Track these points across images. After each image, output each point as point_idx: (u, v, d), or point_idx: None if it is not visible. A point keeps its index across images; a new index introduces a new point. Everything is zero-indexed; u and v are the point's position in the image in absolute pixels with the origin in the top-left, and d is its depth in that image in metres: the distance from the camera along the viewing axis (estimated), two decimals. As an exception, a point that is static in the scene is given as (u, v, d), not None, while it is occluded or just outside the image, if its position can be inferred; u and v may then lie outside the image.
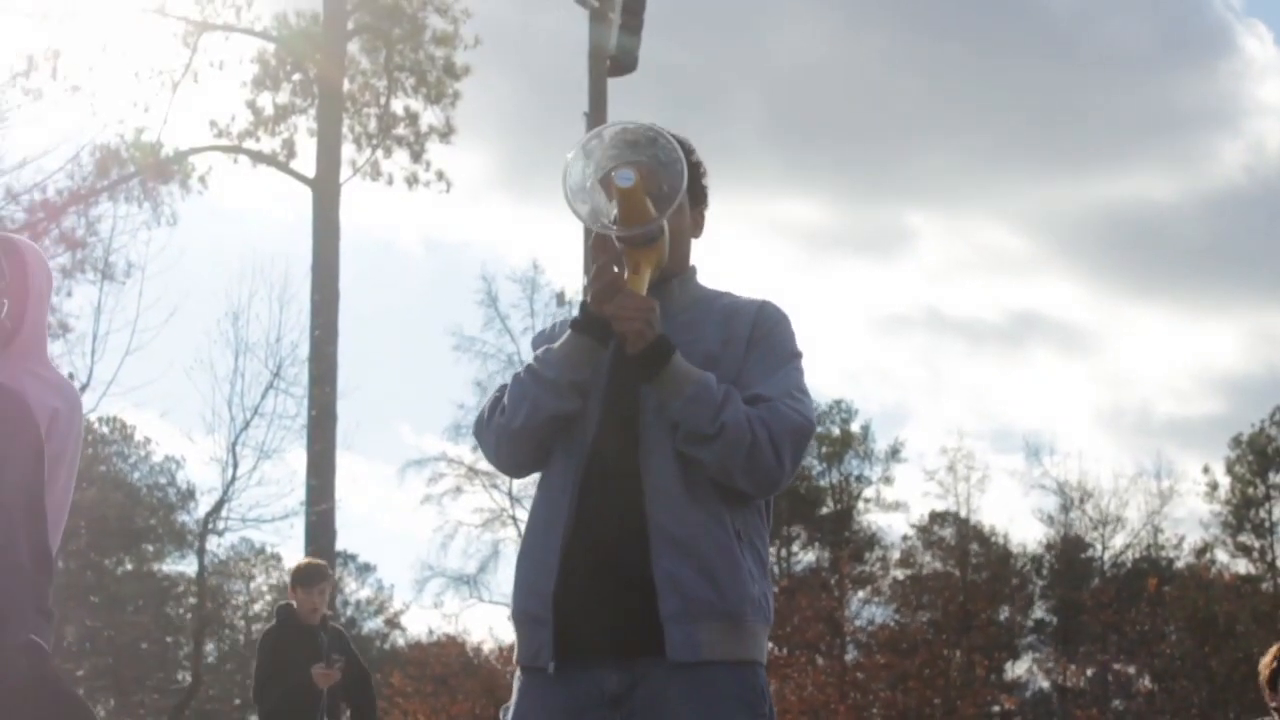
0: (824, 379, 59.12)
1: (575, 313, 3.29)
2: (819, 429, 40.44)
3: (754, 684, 3.19)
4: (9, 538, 3.74)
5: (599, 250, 3.20)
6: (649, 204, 3.13)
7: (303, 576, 8.94)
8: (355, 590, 47.51)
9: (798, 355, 3.35)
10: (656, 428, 3.21)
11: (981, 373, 57.79)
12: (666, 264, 3.31)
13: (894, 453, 41.17)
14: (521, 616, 3.27)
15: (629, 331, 3.13)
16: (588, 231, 3.30)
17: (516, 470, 3.38)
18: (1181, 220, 56.60)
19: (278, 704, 8.61)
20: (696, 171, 3.42)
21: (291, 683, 8.47)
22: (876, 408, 63.76)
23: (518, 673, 3.32)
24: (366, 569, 48.69)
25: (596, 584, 3.16)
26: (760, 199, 54.73)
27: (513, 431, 3.25)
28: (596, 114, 25.67)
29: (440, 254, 62.38)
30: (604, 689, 3.14)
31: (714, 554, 3.14)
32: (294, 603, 8.84)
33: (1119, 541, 40.62)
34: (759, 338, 3.32)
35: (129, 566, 36.68)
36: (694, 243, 3.47)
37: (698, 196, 3.46)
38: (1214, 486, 41.41)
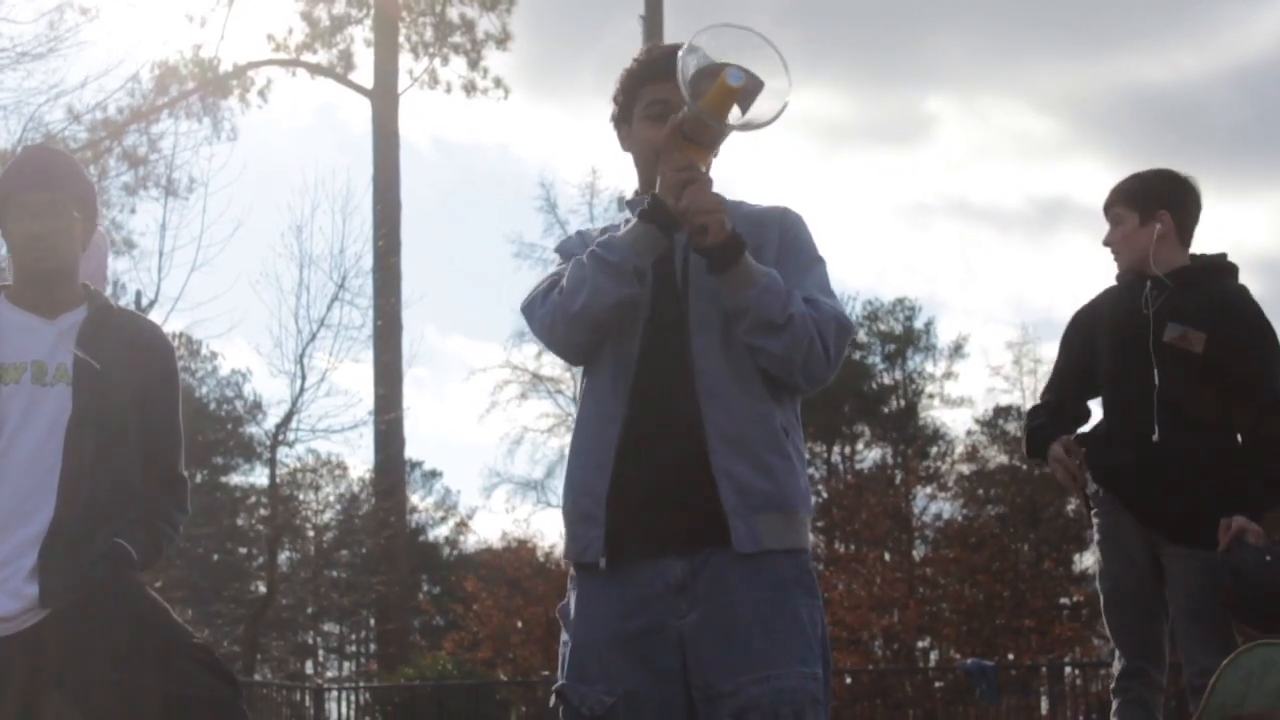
0: (851, 272, 58.68)
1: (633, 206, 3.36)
2: (882, 327, 40.60)
3: (807, 567, 3.32)
4: (125, 460, 3.84)
5: (672, 145, 3.20)
6: (735, 109, 3.11)
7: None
8: (423, 497, 47.97)
9: (822, 259, 3.43)
10: (705, 326, 3.28)
11: (1013, 261, 57.00)
12: None
13: (957, 348, 41.07)
14: (573, 513, 3.34)
15: (711, 223, 3.15)
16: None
17: (567, 351, 3.39)
18: (1213, 97, 55.46)
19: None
20: None
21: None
22: (892, 299, 63.09)
23: (571, 571, 3.40)
24: (432, 475, 49.15)
25: (653, 480, 3.24)
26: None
27: (571, 314, 3.26)
28: (652, 16, 25.53)
29: (491, 158, 62.25)
30: (668, 578, 3.23)
31: (765, 449, 3.24)
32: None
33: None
34: (788, 241, 3.40)
35: (199, 479, 37.11)
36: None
37: None
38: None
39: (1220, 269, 5.18)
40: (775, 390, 3.29)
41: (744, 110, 3.12)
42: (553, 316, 3.29)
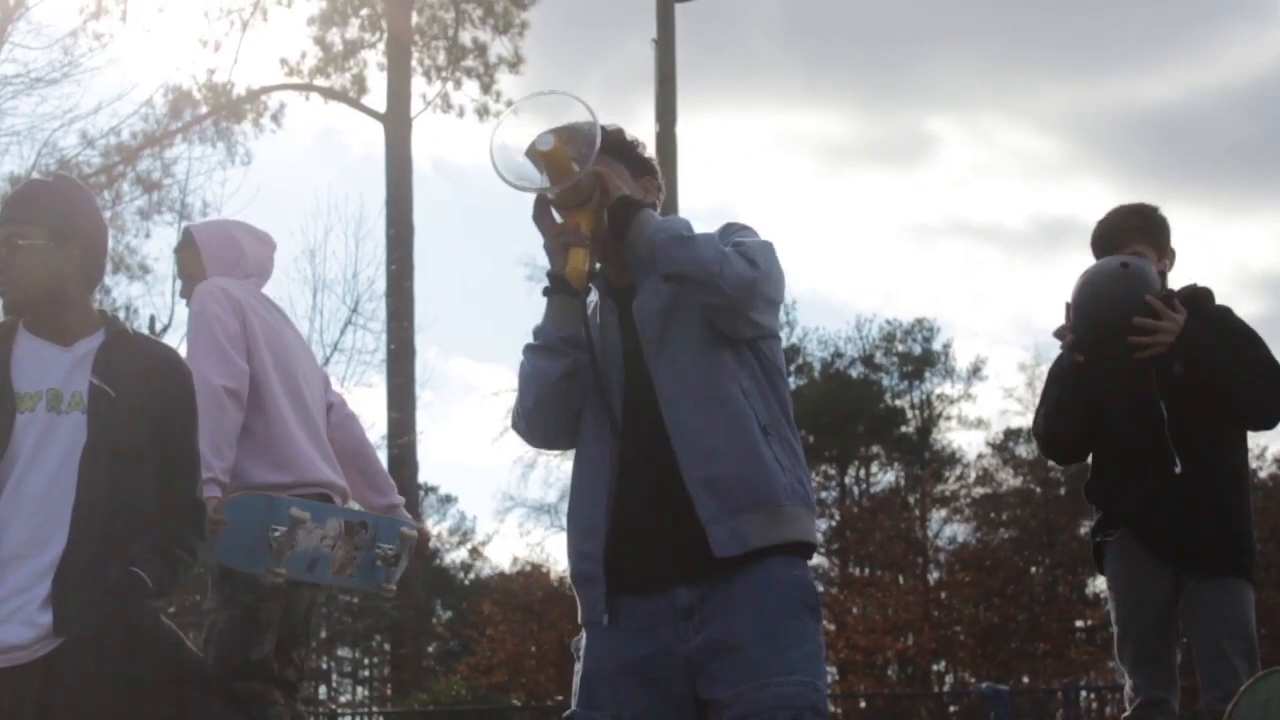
0: (855, 293, 58.54)
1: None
2: (900, 347, 40.50)
3: (811, 586, 3.34)
4: (141, 487, 3.84)
5: (540, 221, 3.36)
6: (571, 161, 3.23)
7: None
8: (438, 523, 47.94)
9: (754, 232, 3.47)
10: (663, 347, 3.35)
11: (1019, 281, 56.62)
12: None
13: (975, 370, 40.95)
14: (578, 578, 3.40)
15: (609, 185, 3.32)
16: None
17: (552, 441, 3.55)
18: (1216, 116, 54.94)
19: None
20: (633, 147, 3.57)
21: None
22: (911, 321, 63.05)
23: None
24: (448, 500, 49.11)
25: (644, 526, 3.31)
26: (778, 111, 54.00)
27: (529, 409, 3.44)
28: (665, 39, 25.55)
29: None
30: (675, 603, 3.27)
31: (738, 451, 3.28)
32: None
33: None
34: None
35: (214, 504, 37.13)
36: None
37: (641, 167, 3.58)
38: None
39: (1201, 295, 5.22)
40: (748, 392, 3.34)
41: (581, 147, 3.24)
42: (526, 424, 3.47)
